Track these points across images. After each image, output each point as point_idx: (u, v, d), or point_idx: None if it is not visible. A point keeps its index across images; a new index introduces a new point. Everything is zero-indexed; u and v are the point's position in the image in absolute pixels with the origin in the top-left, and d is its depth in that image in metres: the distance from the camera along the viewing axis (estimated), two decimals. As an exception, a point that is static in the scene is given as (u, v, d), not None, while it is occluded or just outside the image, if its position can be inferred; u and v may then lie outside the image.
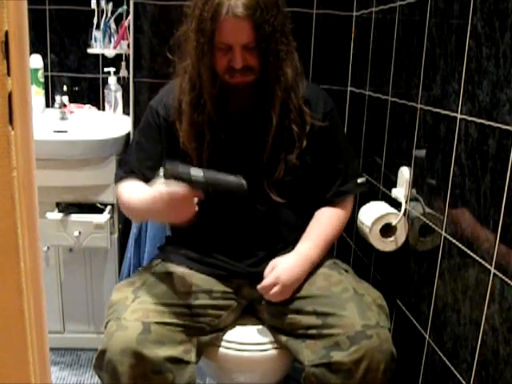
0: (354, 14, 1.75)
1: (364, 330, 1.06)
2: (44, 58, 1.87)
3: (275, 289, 1.14)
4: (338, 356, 1.06)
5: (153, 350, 1.03)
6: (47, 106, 1.92)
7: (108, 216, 1.64)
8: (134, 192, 1.19)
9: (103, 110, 1.95)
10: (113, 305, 1.12)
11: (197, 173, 1.02)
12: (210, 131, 1.16)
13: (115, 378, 1.04)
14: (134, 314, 1.06)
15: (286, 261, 1.19)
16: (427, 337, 1.18)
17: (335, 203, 1.31)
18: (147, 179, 1.17)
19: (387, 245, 1.31)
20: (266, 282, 1.15)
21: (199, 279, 1.20)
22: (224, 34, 1.06)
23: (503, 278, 0.88)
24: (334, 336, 1.08)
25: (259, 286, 1.16)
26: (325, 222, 1.28)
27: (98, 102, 1.96)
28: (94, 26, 1.83)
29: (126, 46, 1.84)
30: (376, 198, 1.50)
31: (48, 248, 1.71)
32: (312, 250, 1.22)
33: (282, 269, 1.16)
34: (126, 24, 1.80)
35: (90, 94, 1.96)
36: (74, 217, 1.61)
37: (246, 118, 1.21)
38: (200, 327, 1.13)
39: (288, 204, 1.24)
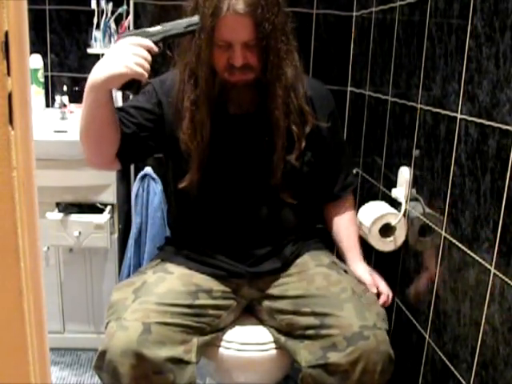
0: (354, 14, 1.75)
1: (361, 331, 1.06)
2: (44, 57, 1.87)
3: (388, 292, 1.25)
4: (334, 357, 1.06)
5: (153, 350, 1.03)
6: (47, 105, 1.92)
7: (108, 216, 1.64)
8: None
9: (103, 109, 1.94)
10: (113, 305, 1.12)
11: (153, 28, 1.06)
12: (208, 130, 1.16)
13: (116, 378, 1.03)
14: (134, 314, 1.06)
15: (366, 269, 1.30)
16: (427, 337, 1.18)
17: (342, 197, 1.36)
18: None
19: (386, 245, 1.31)
20: (385, 294, 1.24)
21: (199, 279, 1.20)
22: (224, 31, 1.06)
23: (503, 277, 0.88)
24: (331, 336, 1.08)
25: (388, 302, 1.24)
26: (350, 227, 1.37)
27: (97, 102, 1.96)
28: (94, 26, 1.83)
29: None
30: (376, 198, 1.50)
31: (48, 248, 1.71)
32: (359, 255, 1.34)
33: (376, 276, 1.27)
34: (125, 24, 1.79)
35: (90, 94, 1.96)
36: (74, 217, 1.61)
37: (246, 117, 1.21)
38: (200, 327, 1.13)
39: (287, 204, 1.24)
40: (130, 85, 1.04)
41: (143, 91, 1.26)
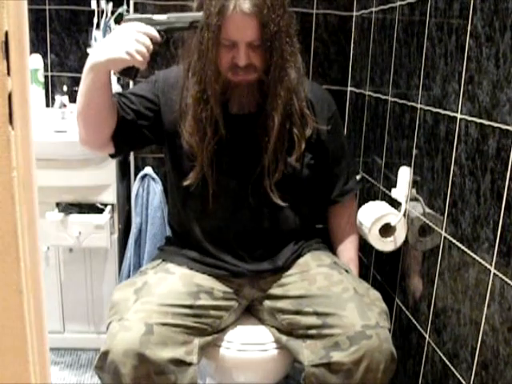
0: (354, 14, 1.75)
1: (364, 330, 1.06)
2: (44, 57, 1.87)
3: None
4: (337, 356, 1.06)
5: (156, 351, 1.02)
6: (47, 105, 1.92)
7: (108, 216, 1.64)
8: None
9: (103, 109, 1.94)
10: (114, 305, 1.12)
11: (158, 16, 1.08)
12: (212, 128, 1.16)
13: (117, 379, 1.03)
14: (136, 314, 1.06)
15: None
16: (427, 337, 1.18)
17: (342, 203, 1.35)
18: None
19: (386, 244, 1.31)
20: None
21: (200, 279, 1.20)
22: (230, 30, 1.06)
23: (503, 277, 0.88)
24: (333, 336, 1.08)
25: None
26: (347, 238, 1.38)
27: (98, 101, 1.96)
28: (94, 26, 1.83)
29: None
30: (376, 198, 1.50)
31: (48, 248, 1.71)
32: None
33: None
34: (125, 24, 1.79)
35: (90, 94, 1.96)
36: (74, 217, 1.61)
37: (247, 117, 1.21)
38: (202, 328, 1.13)
39: (288, 204, 1.24)
40: (129, 71, 1.06)
41: (147, 80, 1.27)
